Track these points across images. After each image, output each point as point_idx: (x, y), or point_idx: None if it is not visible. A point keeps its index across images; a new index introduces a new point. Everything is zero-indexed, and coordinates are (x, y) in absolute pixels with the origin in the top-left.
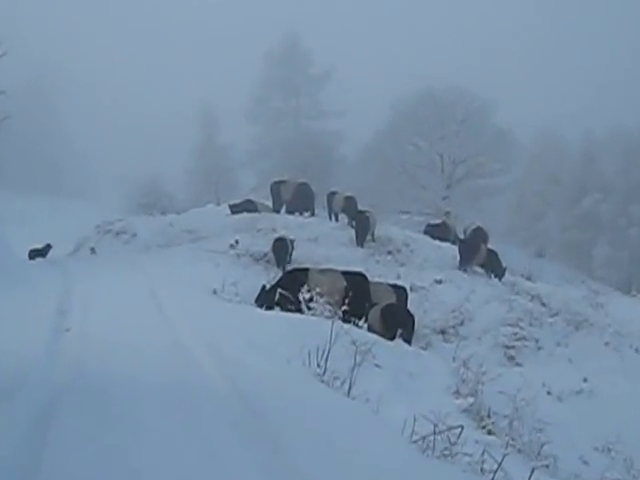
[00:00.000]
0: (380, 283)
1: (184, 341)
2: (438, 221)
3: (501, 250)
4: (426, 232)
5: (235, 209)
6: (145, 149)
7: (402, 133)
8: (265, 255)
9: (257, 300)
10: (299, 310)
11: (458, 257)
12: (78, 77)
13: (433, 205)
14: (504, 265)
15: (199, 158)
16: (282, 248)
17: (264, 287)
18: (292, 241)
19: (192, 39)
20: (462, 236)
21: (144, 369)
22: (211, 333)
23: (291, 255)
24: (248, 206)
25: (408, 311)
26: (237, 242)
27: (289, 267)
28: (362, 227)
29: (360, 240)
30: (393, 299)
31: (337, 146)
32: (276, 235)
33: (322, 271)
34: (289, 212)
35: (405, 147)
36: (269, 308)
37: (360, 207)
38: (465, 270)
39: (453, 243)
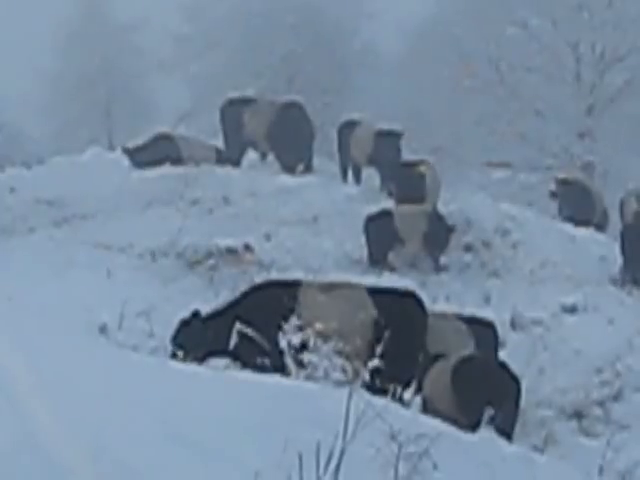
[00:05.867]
0: (446, 315)
1: (40, 435)
2: (568, 178)
3: None
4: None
5: (138, 156)
6: None
7: (492, 4)
8: (211, 255)
9: (177, 338)
10: (279, 368)
11: (620, 259)
12: None
13: (558, 150)
14: None
15: (70, 51)
16: (381, 230)
17: (196, 314)
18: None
19: None
20: (622, 217)
21: None
22: (94, 420)
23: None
24: (162, 148)
25: (506, 371)
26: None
27: (259, 279)
28: (410, 194)
29: None
30: (471, 346)
31: (357, 26)
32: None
33: (327, 288)
34: (284, 165)
35: (498, 31)
36: (204, 358)
37: (407, 154)
38: (628, 286)
39: (599, 228)
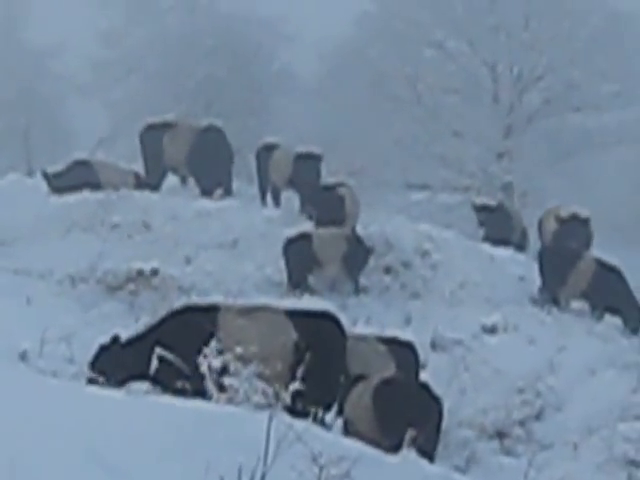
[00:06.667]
0: (365, 337)
1: None
2: (489, 203)
3: (624, 261)
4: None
5: (57, 182)
6: None
7: (409, 26)
8: (130, 280)
9: (96, 363)
10: (199, 392)
11: (539, 279)
12: None
13: (477, 171)
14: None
15: None
16: (300, 253)
17: (116, 339)
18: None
19: None
20: (541, 236)
21: None
22: (13, 445)
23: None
24: (79, 174)
25: (428, 392)
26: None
27: (178, 303)
28: (330, 217)
29: None
30: (392, 368)
31: (276, 50)
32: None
33: (247, 311)
34: (203, 189)
35: (415, 53)
36: (124, 382)
37: (326, 177)
38: (548, 306)
39: (518, 248)
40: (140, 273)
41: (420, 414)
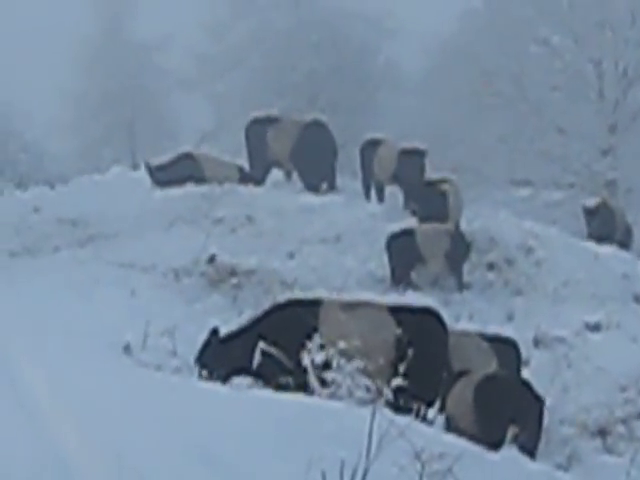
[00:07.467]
0: (468, 333)
1: (65, 454)
2: (593, 202)
3: None
4: None
5: (161, 175)
6: None
7: (514, 22)
8: (234, 274)
9: (201, 357)
10: (302, 386)
11: None
12: None
13: (581, 168)
14: None
15: (93, 70)
16: (404, 248)
17: (215, 332)
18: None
19: None
20: None
21: None
22: (118, 438)
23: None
24: (184, 167)
25: (529, 389)
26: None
27: (281, 298)
28: (433, 212)
29: None
30: (494, 364)
31: (380, 45)
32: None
33: (349, 306)
34: (307, 183)
35: (520, 49)
36: (228, 376)
37: (430, 173)
38: None
39: (622, 245)
40: (243, 267)
41: (522, 411)
